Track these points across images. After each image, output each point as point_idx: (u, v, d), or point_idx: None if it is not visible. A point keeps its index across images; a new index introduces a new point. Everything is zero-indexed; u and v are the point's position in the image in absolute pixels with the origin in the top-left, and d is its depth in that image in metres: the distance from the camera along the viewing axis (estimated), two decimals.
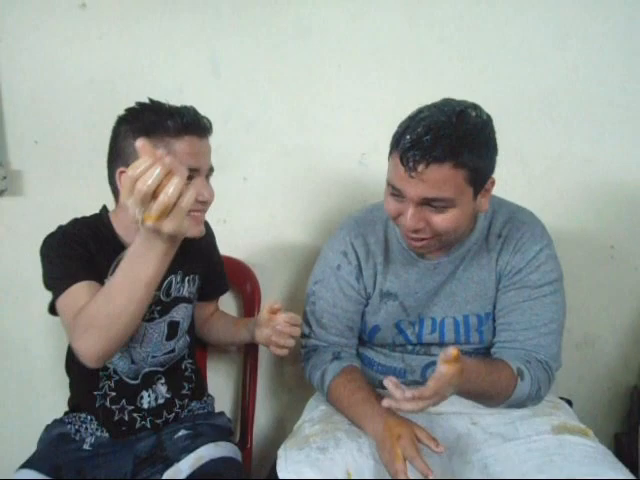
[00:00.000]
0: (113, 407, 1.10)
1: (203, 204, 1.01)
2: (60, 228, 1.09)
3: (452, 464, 0.98)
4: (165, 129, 0.96)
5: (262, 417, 1.50)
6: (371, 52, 1.35)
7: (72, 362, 1.10)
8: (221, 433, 1.18)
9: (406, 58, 1.36)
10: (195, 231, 1.01)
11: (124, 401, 1.11)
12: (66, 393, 1.17)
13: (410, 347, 1.14)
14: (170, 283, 1.11)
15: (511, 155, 1.39)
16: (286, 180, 1.42)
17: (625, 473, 0.91)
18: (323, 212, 1.43)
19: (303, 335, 1.16)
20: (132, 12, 1.32)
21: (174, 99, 1.37)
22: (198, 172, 0.99)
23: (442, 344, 1.10)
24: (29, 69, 1.33)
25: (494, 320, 1.09)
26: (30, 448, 1.11)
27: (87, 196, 1.40)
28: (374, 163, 1.39)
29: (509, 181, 1.39)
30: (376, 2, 1.33)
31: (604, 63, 1.35)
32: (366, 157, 1.39)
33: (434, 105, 0.96)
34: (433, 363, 1.07)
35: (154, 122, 0.96)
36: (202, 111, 1.35)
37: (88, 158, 1.38)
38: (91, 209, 1.44)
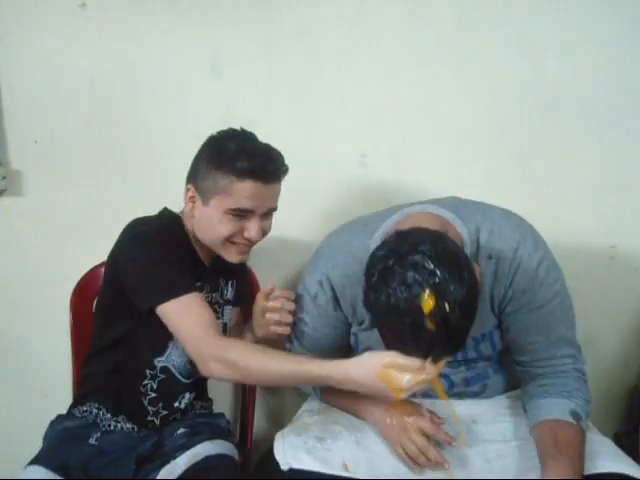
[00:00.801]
0: (150, 407, 1.13)
1: (248, 240, 1.07)
2: (157, 227, 1.10)
3: (452, 457, 0.98)
4: (232, 168, 1.02)
5: (262, 417, 1.50)
6: (371, 52, 1.35)
7: (109, 358, 1.13)
8: (219, 432, 1.18)
9: (406, 58, 1.36)
10: (235, 259, 1.10)
11: (161, 403, 1.14)
12: (67, 390, 1.17)
13: None
14: (224, 287, 1.20)
15: (511, 156, 1.40)
16: (286, 180, 1.41)
17: (628, 463, 0.93)
18: (323, 212, 1.43)
19: (286, 350, 1.15)
20: (132, 12, 1.32)
21: (174, 99, 1.38)
22: (253, 213, 1.05)
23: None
24: (29, 69, 1.33)
25: (500, 333, 1.06)
26: (32, 445, 1.11)
27: (87, 196, 1.41)
28: (374, 163, 1.39)
29: (509, 182, 1.40)
30: (376, 2, 1.33)
31: (604, 63, 1.35)
32: (366, 157, 1.39)
33: None
34: None
35: (226, 158, 1.02)
36: (202, 111, 1.37)
37: (88, 158, 1.38)
38: (91, 209, 1.44)
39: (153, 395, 1.13)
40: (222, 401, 1.45)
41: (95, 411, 1.13)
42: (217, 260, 1.14)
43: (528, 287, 0.99)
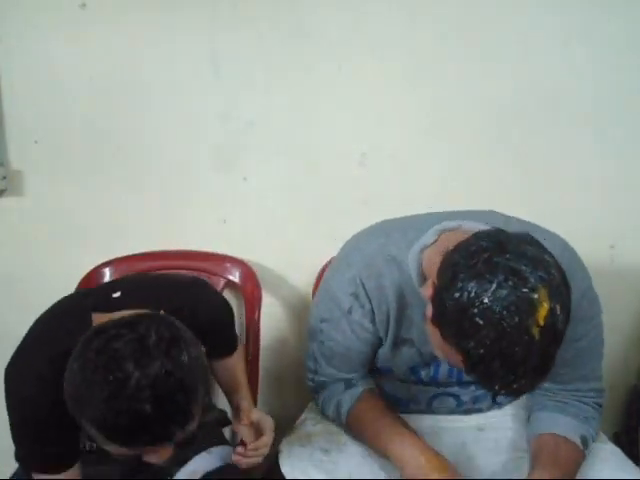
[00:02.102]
0: None
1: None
2: (23, 366, 0.87)
3: (461, 467, 0.96)
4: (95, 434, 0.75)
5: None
6: (371, 52, 1.35)
7: None
8: (214, 433, 1.14)
9: (406, 58, 1.35)
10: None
11: None
12: None
13: (420, 384, 1.07)
14: None
15: (511, 155, 1.40)
16: (286, 180, 1.42)
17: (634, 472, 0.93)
18: (323, 212, 1.43)
19: (309, 370, 1.08)
20: (132, 12, 1.32)
21: (174, 99, 1.37)
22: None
23: (459, 382, 1.04)
24: (29, 69, 1.33)
25: None
26: None
27: (87, 196, 1.42)
28: (374, 163, 1.39)
29: (509, 181, 1.40)
30: (376, 2, 1.33)
31: (605, 63, 1.35)
32: (366, 157, 1.39)
33: None
34: (440, 394, 1.05)
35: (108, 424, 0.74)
36: (201, 111, 1.37)
37: (88, 158, 1.38)
38: (91, 209, 1.44)
39: None
40: (223, 400, 1.45)
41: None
42: None
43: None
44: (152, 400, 0.70)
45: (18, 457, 0.90)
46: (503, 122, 1.38)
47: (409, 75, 1.36)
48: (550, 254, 0.75)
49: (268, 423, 1.01)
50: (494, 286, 0.69)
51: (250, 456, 0.96)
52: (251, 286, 1.40)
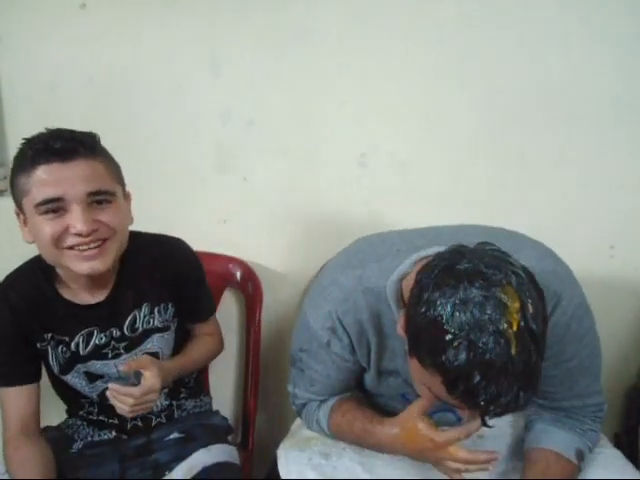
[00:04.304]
0: (101, 417, 1.12)
1: (80, 236, 0.90)
2: None
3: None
4: (22, 165, 0.90)
5: (263, 418, 1.50)
6: (371, 52, 1.35)
7: (57, 391, 1.13)
8: (215, 434, 1.16)
9: (406, 58, 1.35)
10: (84, 267, 0.91)
11: (113, 415, 1.08)
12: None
13: None
14: (134, 318, 1.06)
15: (511, 155, 1.40)
16: (286, 180, 1.42)
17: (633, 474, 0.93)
18: (323, 212, 1.43)
19: (290, 393, 1.09)
20: (132, 12, 1.32)
21: (174, 99, 1.37)
22: (67, 202, 0.89)
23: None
24: (29, 69, 1.33)
25: None
26: None
27: None
28: (374, 163, 1.39)
29: (509, 182, 1.40)
30: (376, 2, 1.33)
31: (604, 63, 1.35)
32: (366, 157, 1.39)
33: None
34: (439, 411, 1.02)
35: (17, 159, 0.92)
36: (201, 111, 1.37)
37: None
38: None
39: (99, 417, 1.11)
40: (223, 401, 1.45)
41: (75, 427, 1.14)
42: (119, 291, 1.04)
43: (557, 340, 0.87)
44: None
45: None
46: (503, 122, 1.38)
47: (409, 75, 1.36)
48: (514, 259, 0.72)
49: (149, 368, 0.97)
50: (459, 291, 0.68)
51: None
52: (251, 286, 1.41)
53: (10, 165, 1.36)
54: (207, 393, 1.29)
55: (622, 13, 1.33)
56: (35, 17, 1.31)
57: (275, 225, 1.44)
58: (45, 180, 0.88)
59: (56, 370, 1.06)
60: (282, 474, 0.95)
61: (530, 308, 0.67)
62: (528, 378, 0.68)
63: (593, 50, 1.34)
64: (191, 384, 1.21)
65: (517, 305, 0.67)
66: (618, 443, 1.44)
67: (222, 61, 1.36)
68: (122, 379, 0.96)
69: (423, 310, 0.70)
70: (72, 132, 0.93)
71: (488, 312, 0.66)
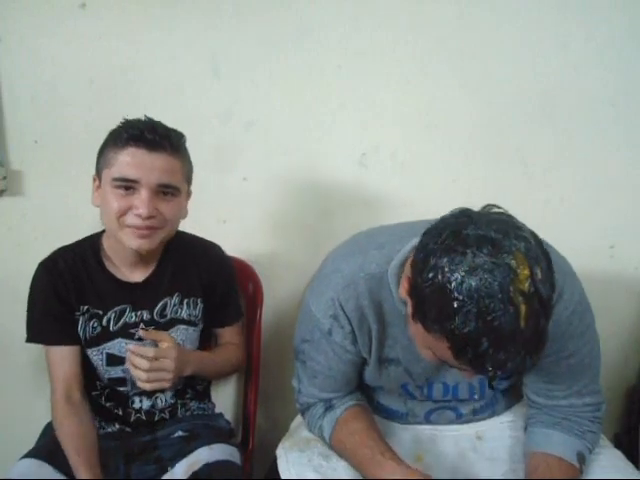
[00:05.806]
0: (108, 404, 1.14)
1: (140, 218, 1.01)
2: (43, 264, 1.13)
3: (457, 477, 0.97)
4: (114, 140, 1.03)
5: (264, 418, 1.50)
6: (371, 52, 1.35)
7: None
8: (218, 435, 1.17)
9: (406, 58, 1.36)
10: (134, 243, 1.03)
11: (119, 404, 1.14)
12: None
13: (416, 400, 1.05)
14: (165, 305, 1.14)
15: (511, 155, 1.40)
16: (286, 180, 1.42)
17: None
18: (323, 212, 1.43)
19: (294, 389, 1.08)
20: (132, 12, 1.32)
21: (174, 99, 1.37)
22: (140, 185, 1.00)
23: (456, 399, 1.03)
24: (29, 69, 1.33)
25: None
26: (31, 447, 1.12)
27: (87, 196, 1.40)
28: (374, 163, 1.39)
29: (509, 182, 1.40)
30: (376, 2, 1.33)
31: (604, 63, 1.35)
32: (366, 157, 1.39)
33: None
34: (437, 408, 1.05)
35: (111, 134, 1.05)
36: (202, 111, 1.37)
37: (88, 158, 1.37)
38: (91, 209, 1.43)
39: (110, 404, 1.14)
40: (223, 401, 1.45)
41: None
42: (157, 276, 1.13)
43: (558, 336, 0.87)
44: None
45: (30, 337, 1.12)
46: (503, 122, 1.38)
47: (409, 75, 1.36)
48: (521, 223, 0.71)
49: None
50: (467, 257, 0.66)
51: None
52: (251, 286, 1.40)
53: (10, 165, 1.38)
54: (210, 400, 1.30)
55: (622, 13, 1.33)
56: (35, 17, 1.31)
57: (275, 225, 1.44)
58: (129, 161, 1.00)
59: (83, 342, 1.11)
60: (282, 474, 0.95)
61: (539, 274, 0.66)
62: (536, 344, 0.68)
63: (593, 50, 1.35)
64: (199, 389, 1.23)
65: (526, 272, 0.66)
66: (618, 443, 1.44)
67: (222, 61, 1.36)
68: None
69: (430, 276, 0.68)
70: (166, 129, 1.05)
71: (498, 279, 0.65)
